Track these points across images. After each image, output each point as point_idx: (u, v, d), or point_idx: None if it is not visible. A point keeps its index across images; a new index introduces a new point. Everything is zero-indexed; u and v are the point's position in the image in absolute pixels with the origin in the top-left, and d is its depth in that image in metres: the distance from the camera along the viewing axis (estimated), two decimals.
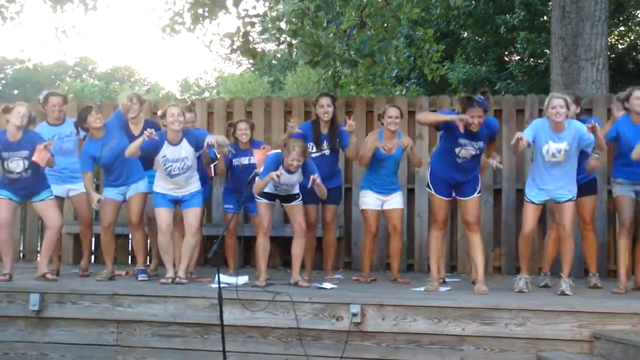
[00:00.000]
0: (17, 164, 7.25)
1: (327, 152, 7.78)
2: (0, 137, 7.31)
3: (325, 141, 7.75)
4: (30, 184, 7.35)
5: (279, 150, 7.26)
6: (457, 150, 6.92)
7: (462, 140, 6.89)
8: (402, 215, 8.09)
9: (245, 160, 8.00)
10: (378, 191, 7.85)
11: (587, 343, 5.92)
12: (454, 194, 7.15)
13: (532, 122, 7.25)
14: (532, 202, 7.04)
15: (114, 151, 7.51)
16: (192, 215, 7.42)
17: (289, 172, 7.07)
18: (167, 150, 7.28)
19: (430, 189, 7.14)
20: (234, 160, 8.04)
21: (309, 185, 6.97)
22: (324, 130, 7.78)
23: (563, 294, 6.77)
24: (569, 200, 6.96)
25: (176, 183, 7.39)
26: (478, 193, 7.09)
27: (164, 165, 7.31)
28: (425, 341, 6.18)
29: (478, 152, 6.97)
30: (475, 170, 7.10)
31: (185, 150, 7.31)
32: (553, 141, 6.84)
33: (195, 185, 7.50)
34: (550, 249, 7.78)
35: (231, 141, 8.07)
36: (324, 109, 7.74)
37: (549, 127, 6.88)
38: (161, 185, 7.44)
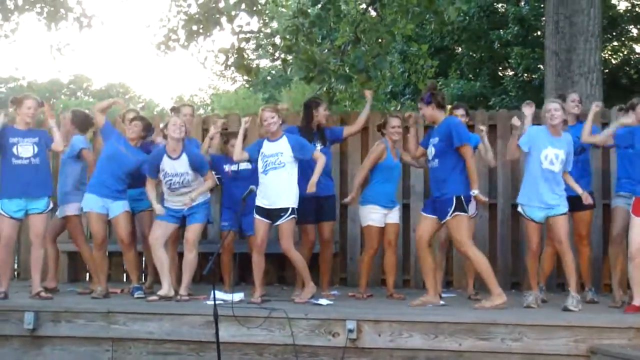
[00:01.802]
0: (26, 148, 7.30)
1: (319, 147, 7.85)
2: (9, 127, 7.40)
3: (316, 138, 7.91)
4: (35, 180, 7.31)
5: None
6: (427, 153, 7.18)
7: (424, 142, 7.22)
8: (398, 230, 8.10)
9: (235, 167, 8.01)
10: (384, 205, 7.78)
11: (584, 358, 5.91)
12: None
13: (528, 129, 7.25)
14: (533, 221, 7.03)
15: (123, 157, 7.57)
16: (191, 232, 7.45)
17: (272, 140, 7.28)
18: (165, 164, 7.36)
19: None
20: (225, 166, 8.09)
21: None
22: (315, 129, 8.00)
23: (566, 309, 6.71)
24: (563, 214, 6.97)
25: (180, 197, 7.41)
26: (451, 215, 6.88)
27: (164, 179, 7.40)
28: (421, 357, 6.16)
29: (437, 151, 6.96)
30: (447, 187, 6.92)
31: (185, 165, 7.37)
32: (552, 146, 6.89)
33: (202, 198, 7.51)
34: (547, 263, 7.72)
35: (223, 153, 8.25)
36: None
37: (547, 132, 6.95)
38: (168, 200, 7.51)
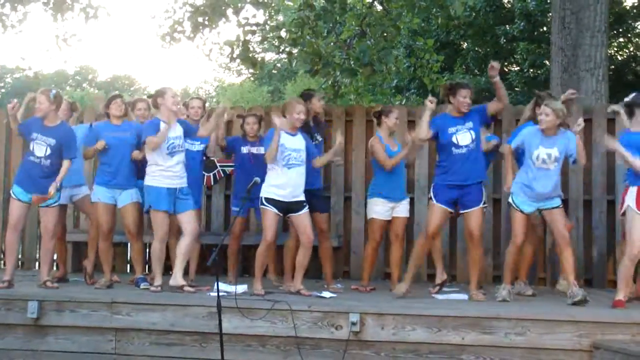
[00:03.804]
0: (40, 147, 7.28)
1: (317, 142, 7.94)
2: (36, 120, 7.36)
3: (314, 130, 8.01)
4: (45, 179, 7.30)
5: None
6: (454, 139, 7.07)
7: (452, 128, 7.09)
8: (406, 223, 8.06)
9: (254, 150, 8.03)
10: (387, 197, 7.74)
11: (587, 353, 5.91)
12: (459, 209, 7.25)
13: (520, 129, 7.35)
14: (521, 211, 7.00)
15: (119, 141, 7.55)
16: (186, 218, 7.37)
17: (291, 134, 7.21)
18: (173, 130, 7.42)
19: (432, 199, 7.22)
20: (242, 148, 8.09)
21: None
22: (312, 122, 8.06)
23: (575, 304, 6.68)
24: (557, 207, 6.95)
25: (174, 166, 7.34)
26: (483, 204, 7.14)
27: (168, 142, 7.32)
28: (424, 350, 6.16)
29: (474, 135, 7.08)
30: (479, 172, 7.14)
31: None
32: (544, 146, 6.88)
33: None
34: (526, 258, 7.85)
35: (239, 134, 8.36)
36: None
37: (540, 132, 6.94)
38: (163, 181, 7.32)
